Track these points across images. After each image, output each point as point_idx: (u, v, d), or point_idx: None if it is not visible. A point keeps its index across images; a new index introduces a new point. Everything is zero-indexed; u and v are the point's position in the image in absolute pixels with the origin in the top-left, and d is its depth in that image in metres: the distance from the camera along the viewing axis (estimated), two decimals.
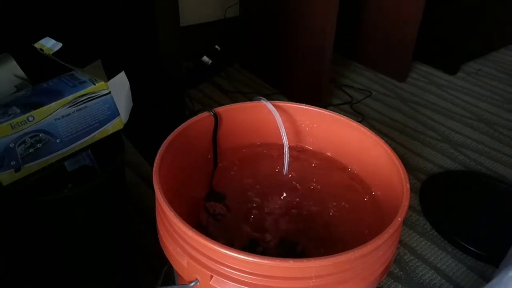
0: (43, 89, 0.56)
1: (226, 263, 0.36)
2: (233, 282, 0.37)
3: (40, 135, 0.52)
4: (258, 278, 0.36)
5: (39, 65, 0.58)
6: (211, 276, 0.38)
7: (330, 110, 0.57)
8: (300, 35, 1.32)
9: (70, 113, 0.54)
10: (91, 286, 0.66)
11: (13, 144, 0.50)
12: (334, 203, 0.54)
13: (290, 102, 0.57)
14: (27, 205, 0.53)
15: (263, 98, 0.55)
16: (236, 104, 0.56)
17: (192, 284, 0.39)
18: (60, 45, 0.58)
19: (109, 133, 0.60)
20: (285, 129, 0.55)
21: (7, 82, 0.59)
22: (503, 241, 0.77)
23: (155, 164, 0.44)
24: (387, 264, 0.41)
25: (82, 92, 0.55)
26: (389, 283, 0.84)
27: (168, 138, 0.49)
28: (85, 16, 0.89)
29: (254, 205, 0.55)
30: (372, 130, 0.53)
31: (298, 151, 0.60)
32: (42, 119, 0.52)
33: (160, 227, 0.44)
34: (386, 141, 0.51)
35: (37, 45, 0.58)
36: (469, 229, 0.95)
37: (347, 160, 0.57)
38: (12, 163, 0.51)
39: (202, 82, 1.50)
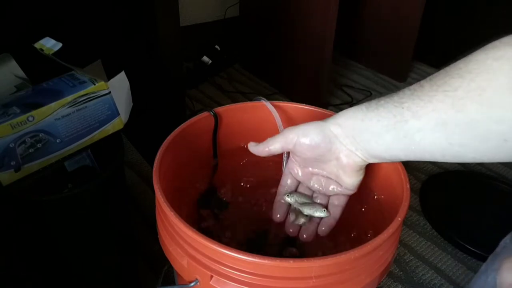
0: (43, 89, 0.56)
1: (226, 263, 0.36)
2: (233, 282, 0.37)
3: (40, 135, 0.53)
4: (258, 278, 0.36)
5: (39, 65, 0.58)
6: (211, 276, 0.38)
7: (330, 110, 0.57)
8: (300, 35, 1.32)
9: (70, 113, 0.54)
10: (91, 286, 0.66)
11: (13, 144, 0.50)
12: None
13: (290, 102, 0.57)
14: (27, 205, 0.53)
15: (263, 98, 0.55)
16: (236, 104, 0.56)
17: (192, 284, 0.39)
18: (60, 45, 0.58)
19: (109, 133, 0.60)
20: None
21: (7, 82, 0.59)
22: None
23: (155, 164, 0.44)
24: (387, 264, 0.41)
25: (82, 92, 0.55)
26: (389, 283, 0.84)
27: (168, 138, 0.48)
28: (85, 16, 0.89)
29: (254, 205, 0.55)
30: None
31: None
32: (42, 119, 0.52)
33: (160, 227, 0.44)
34: None
35: (37, 45, 0.58)
36: (469, 229, 0.95)
37: None
38: (12, 163, 0.51)
39: (202, 82, 1.51)
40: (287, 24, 1.35)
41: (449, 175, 1.14)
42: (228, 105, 0.55)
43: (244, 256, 0.34)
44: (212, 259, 0.37)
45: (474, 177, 1.14)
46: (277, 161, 0.58)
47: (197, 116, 0.53)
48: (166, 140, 0.48)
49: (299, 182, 0.49)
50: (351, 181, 0.45)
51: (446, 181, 1.12)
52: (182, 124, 0.51)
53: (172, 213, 0.38)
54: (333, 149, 0.43)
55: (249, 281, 0.36)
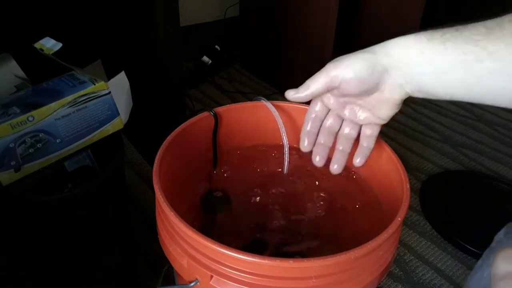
0: (43, 89, 0.56)
1: (226, 263, 0.36)
2: (233, 282, 0.37)
3: (40, 135, 0.53)
4: (258, 278, 0.36)
5: (39, 65, 0.58)
6: (211, 276, 0.38)
7: None
8: (300, 35, 1.31)
9: (70, 113, 0.54)
10: (91, 286, 0.66)
11: (13, 144, 0.50)
12: (334, 203, 0.54)
13: (290, 102, 0.57)
14: (27, 205, 0.53)
15: (263, 98, 0.55)
16: (236, 104, 0.56)
17: (192, 284, 0.39)
18: (60, 45, 0.58)
19: (109, 133, 0.60)
20: (285, 129, 0.55)
21: (7, 82, 0.59)
22: None
23: (155, 164, 0.44)
24: (387, 264, 0.41)
25: (82, 92, 0.55)
26: (389, 283, 0.84)
27: (168, 138, 0.48)
28: (85, 16, 0.89)
29: (254, 205, 0.55)
30: None
31: (298, 152, 0.60)
32: (42, 119, 0.52)
33: (160, 227, 0.44)
34: (386, 141, 0.51)
35: (37, 45, 0.58)
36: (469, 229, 0.95)
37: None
38: (12, 163, 0.51)
39: (202, 82, 1.51)
40: (287, 24, 1.35)
41: (449, 175, 1.14)
42: (228, 105, 0.55)
43: (244, 256, 0.34)
44: (212, 259, 0.37)
45: (474, 177, 1.14)
46: (278, 161, 0.58)
47: (197, 116, 0.53)
48: (166, 140, 0.48)
49: (328, 110, 0.47)
50: (387, 112, 0.43)
51: (446, 181, 1.12)
52: (182, 124, 0.51)
53: (172, 213, 0.38)
54: (380, 82, 0.40)
55: (249, 281, 0.36)
